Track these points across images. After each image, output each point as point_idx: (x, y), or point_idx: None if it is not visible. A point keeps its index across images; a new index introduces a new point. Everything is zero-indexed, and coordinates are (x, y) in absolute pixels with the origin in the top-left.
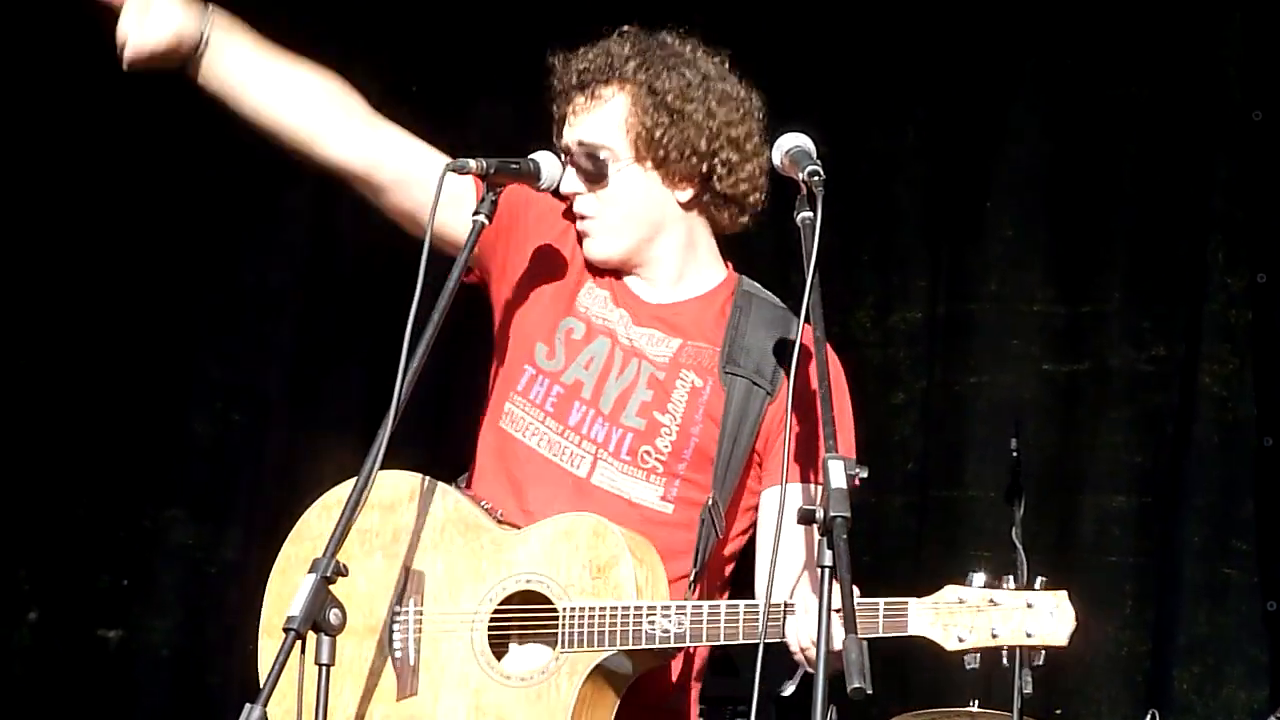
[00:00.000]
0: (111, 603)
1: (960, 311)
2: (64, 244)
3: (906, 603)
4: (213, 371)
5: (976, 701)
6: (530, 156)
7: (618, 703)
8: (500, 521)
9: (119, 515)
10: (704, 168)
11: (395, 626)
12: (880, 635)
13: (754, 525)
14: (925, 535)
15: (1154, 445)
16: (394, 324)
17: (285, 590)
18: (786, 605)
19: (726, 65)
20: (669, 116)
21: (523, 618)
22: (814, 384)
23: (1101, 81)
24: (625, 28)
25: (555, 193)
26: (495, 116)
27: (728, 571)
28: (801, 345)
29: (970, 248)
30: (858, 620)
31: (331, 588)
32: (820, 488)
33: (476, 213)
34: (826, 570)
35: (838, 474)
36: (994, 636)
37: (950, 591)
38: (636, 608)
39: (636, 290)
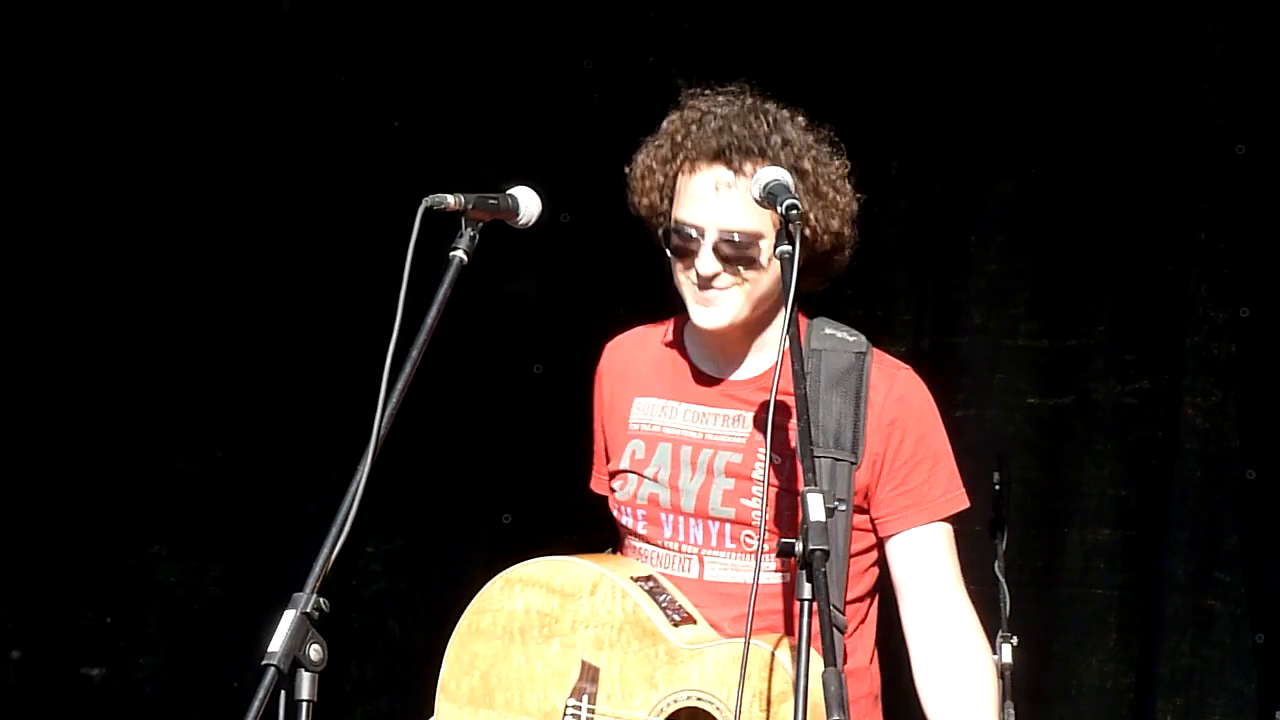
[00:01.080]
0: (95, 640)
1: (945, 345)
2: (43, 284)
3: None
4: (196, 409)
5: None
6: (509, 192)
7: None
8: (678, 623)
9: (102, 552)
10: (830, 246)
11: (568, 717)
12: None
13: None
14: None
15: (1138, 478)
16: (377, 364)
17: (464, 656)
18: None
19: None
20: (814, 197)
21: None
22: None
23: (1085, 115)
24: (737, 90)
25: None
26: (474, 153)
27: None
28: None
29: (954, 282)
30: None
31: (506, 667)
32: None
33: (454, 249)
34: (806, 603)
35: (816, 507)
36: None
37: None
38: None
39: (705, 368)
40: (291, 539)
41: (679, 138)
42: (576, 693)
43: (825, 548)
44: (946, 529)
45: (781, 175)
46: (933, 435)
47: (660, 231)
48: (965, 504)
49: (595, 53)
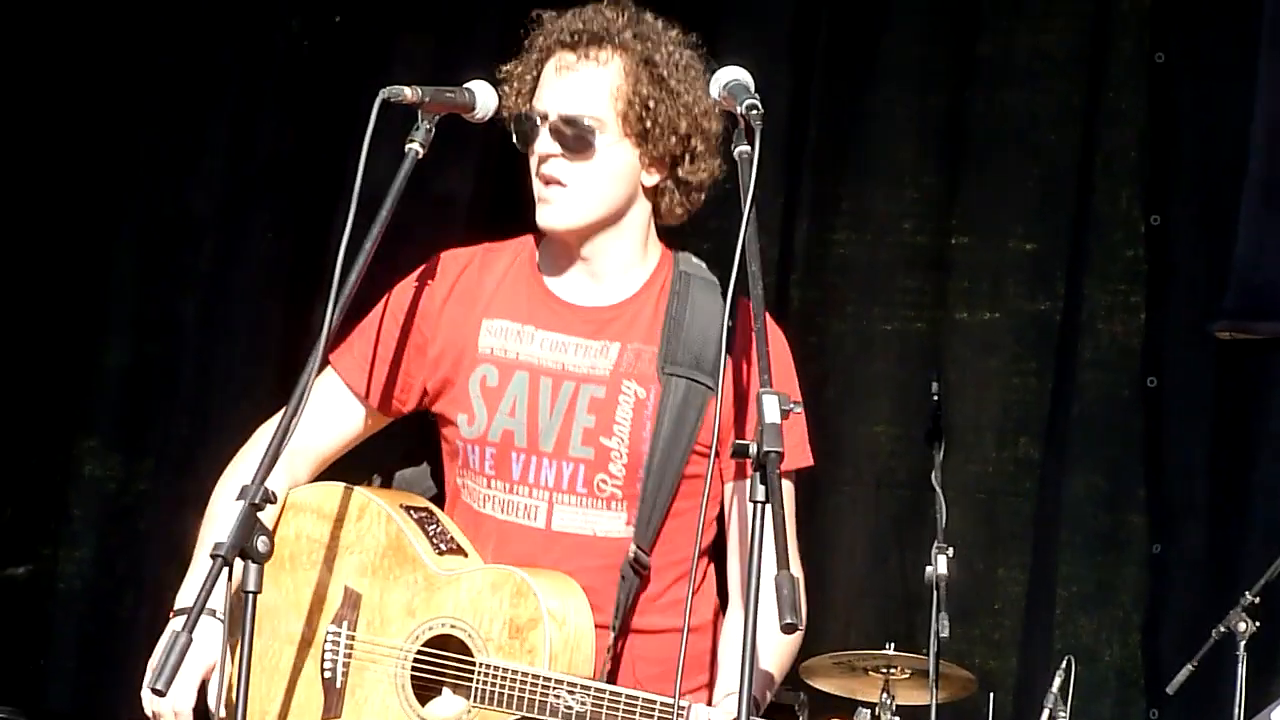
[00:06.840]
0: (23, 535)
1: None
2: None
3: None
4: (128, 303)
5: (893, 644)
6: (465, 86)
7: None
8: (443, 551)
9: (32, 446)
10: (677, 151)
11: (328, 644)
12: None
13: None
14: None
15: (1047, 388)
16: (315, 257)
17: None
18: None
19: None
20: (661, 91)
21: (447, 663)
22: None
23: (1006, 27)
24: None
25: (490, 124)
26: (417, 49)
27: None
28: (739, 322)
29: (886, 194)
30: None
31: (275, 593)
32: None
33: (411, 141)
34: (760, 505)
35: (771, 409)
36: None
37: None
38: (546, 678)
39: (564, 294)
40: (223, 435)
41: (538, 37)
42: (338, 619)
43: (779, 449)
44: (788, 485)
45: (742, 76)
46: (789, 386)
47: (512, 126)
48: (809, 461)
49: None
